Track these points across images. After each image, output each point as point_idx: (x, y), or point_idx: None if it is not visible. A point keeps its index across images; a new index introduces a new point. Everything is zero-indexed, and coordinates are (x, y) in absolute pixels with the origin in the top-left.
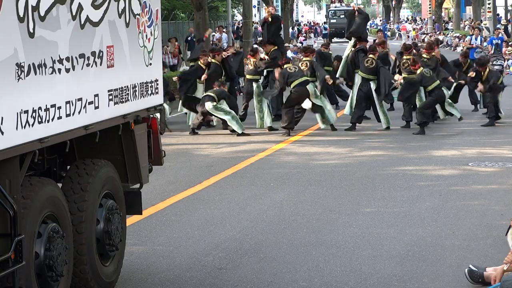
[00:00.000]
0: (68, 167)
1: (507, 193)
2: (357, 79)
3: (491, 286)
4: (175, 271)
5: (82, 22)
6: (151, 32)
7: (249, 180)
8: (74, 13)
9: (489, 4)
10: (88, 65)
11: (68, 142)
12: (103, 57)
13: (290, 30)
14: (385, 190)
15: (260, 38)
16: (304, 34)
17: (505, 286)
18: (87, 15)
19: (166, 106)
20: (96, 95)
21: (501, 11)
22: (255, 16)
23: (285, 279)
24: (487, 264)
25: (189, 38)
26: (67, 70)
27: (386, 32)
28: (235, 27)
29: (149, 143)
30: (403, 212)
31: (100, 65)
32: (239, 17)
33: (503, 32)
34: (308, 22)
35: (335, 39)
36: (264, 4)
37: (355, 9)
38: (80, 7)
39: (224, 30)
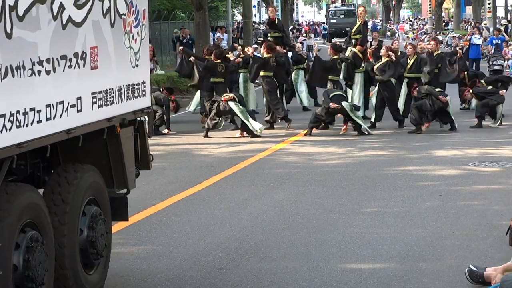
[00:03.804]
0: (53, 171)
1: (507, 193)
2: (357, 79)
3: (491, 286)
4: (175, 271)
5: (64, 22)
6: (137, 33)
7: (249, 180)
8: (55, 13)
9: (489, 4)
10: (70, 66)
11: (49, 147)
12: (87, 59)
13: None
14: (385, 190)
15: (261, 39)
16: (304, 34)
17: (505, 286)
18: (69, 15)
19: None
20: (79, 98)
21: (501, 11)
22: (255, 16)
23: (285, 279)
24: (487, 264)
25: (184, 41)
26: (48, 72)
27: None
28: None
29: (136, 147)
30: (403, 212)
31: (83, 66)
32: (239, 17)
33: (503, 33)
34: (308, 22)
35: (335, 39)
36: (264, 4)
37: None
38: (61, 7)
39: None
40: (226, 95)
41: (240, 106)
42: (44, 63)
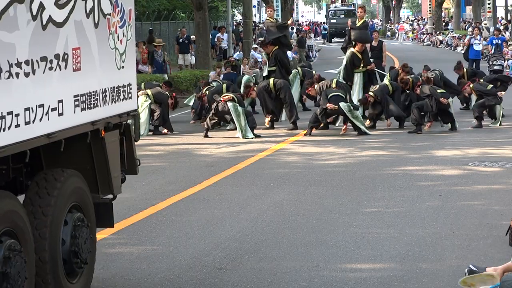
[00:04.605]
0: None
1: (507, 193)
2: (356, 79)
3: (491, 286)
4: (175, 271)
5: (44, 23)
6: (123, 33)
7: (249, 180)
8: (34, 13)
9: (489, 4)
10: (51, 68)
11: (28, 152)
12: (68, 60)
13: (290, 30)
14: (385, 190)
15: (261, 39)
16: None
17: (505, 286)
18: (50, 15)
19: None
20: (60, 101)
21: (501, 11)
22: (255, 16)
23: (285, 279)
24: (487, 264)
25: (181, 41)
26: (26, 75)
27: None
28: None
29: (122, 151)
30: (403, 212)
31: (65, 68)
32: (239, 17)
33: (503, 33)
34: (308, 22)
35: (335, 39)
36: (264, 4)
37: (349, 26)
38: (41, 7)
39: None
40: (225, 95)
41: (239, 108)
42: (22, 64)
